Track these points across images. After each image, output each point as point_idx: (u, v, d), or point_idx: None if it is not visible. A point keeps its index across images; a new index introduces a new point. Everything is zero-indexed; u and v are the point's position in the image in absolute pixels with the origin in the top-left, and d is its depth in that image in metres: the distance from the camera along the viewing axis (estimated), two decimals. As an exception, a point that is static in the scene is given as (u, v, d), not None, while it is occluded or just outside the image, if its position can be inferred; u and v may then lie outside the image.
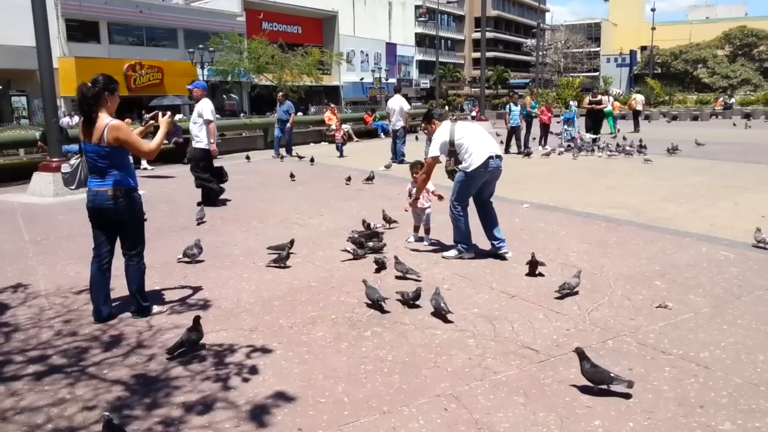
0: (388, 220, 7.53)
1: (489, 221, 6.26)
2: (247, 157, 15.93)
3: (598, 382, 3.38)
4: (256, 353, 4.01)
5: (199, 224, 7.92)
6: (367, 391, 3.50)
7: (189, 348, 4.01)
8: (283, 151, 16.85)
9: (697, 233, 7.08)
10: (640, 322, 4.46)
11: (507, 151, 16.03)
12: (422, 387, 3.53)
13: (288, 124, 16.76)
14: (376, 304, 4.75)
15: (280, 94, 17.59)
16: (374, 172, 11.59)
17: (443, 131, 6.17)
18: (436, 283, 5.40)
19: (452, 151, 6.17)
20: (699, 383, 3.53)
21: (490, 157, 5.96)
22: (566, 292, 4.95)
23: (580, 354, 3.44)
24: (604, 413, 3.23)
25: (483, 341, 4.16)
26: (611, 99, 22.61)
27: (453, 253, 6.25)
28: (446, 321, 4.50)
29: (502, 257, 6.13)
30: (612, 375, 3.37)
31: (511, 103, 16.73)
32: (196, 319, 4.10)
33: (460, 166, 6.13)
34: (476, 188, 6.16)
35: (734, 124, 27.08)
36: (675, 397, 3.37)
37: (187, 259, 6.16)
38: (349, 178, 11.20)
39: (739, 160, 14.09)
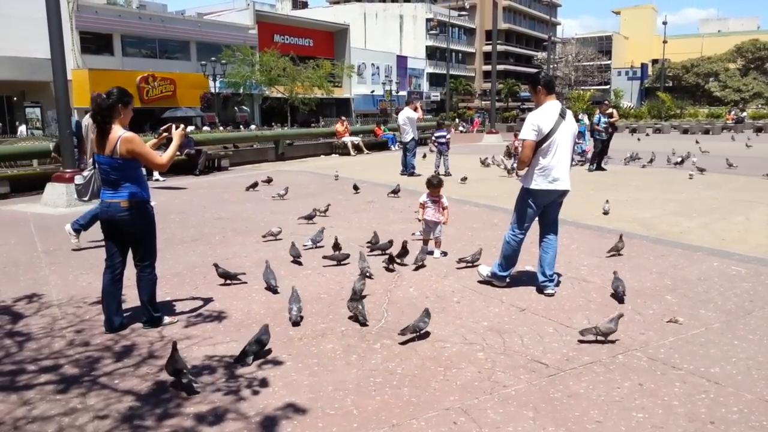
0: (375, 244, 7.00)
1: (544, 250, 5.50)
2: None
3: (171, 374, 3.69)
4: (266, 365, 4.02)
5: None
6: (377, 403, 3.50)
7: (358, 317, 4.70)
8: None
9: (708, 248, 7.05)
10: (650, 336, 4.44)
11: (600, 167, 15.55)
12: (431, 400, 3.53)
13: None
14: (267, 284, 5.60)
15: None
16: (400, 185, 11.50)
17: (546, 116, 5.20)
18: (446, 296, 5.42)
19: (537, 145, 5.18)
20: (710, 399, 3.51)
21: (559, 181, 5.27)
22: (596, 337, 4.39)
23: (173, 346, 3.76)
24: (614, 428, 3.22)
25: (492, 354, 4.16)
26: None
27: (486, 271, 5.73)
28: (275, 292, 5.45)
29: (543, 291, 5.46)
30: (185, 370, 3.66)
31: (600, 115, 16.02)
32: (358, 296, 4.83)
33: (521, 181, 5.42)
34: (539, 211, 5.45)
35: (732, 139, 26.80)
36: (685, 413, 3.36)
37: (311, 245, 7.04)
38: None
39: (753, 174, 14.02)
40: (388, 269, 6.19)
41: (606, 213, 9.14)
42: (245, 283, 5.83)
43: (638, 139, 26.83)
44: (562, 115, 5.23)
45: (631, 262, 6.46)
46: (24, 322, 4.89)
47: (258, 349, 4.09)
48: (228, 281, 5.80)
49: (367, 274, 5.81)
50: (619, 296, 5.24)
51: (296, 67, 42.51)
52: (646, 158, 16.74)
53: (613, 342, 4.25)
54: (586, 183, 13.08)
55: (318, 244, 7.17)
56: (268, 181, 13.00)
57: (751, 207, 9.78)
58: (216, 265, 5.83)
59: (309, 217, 8.75)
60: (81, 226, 7.45)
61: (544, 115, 5.22)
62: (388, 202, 10.57)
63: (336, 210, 9.86)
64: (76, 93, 30.96)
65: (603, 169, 15.46)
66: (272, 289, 5.56)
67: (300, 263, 6.49)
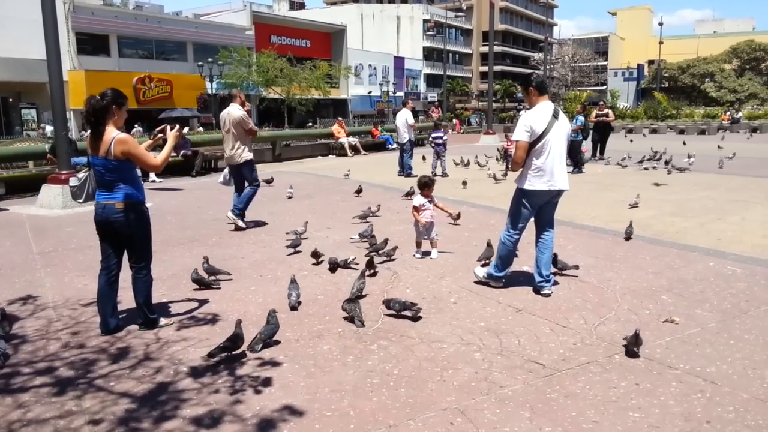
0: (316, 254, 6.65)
1: (540, 250, 5.48)
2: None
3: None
4: (262, 366, 4.02)
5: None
6: (373, 404, 3.50)
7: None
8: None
9: (704, 248, 7.06)
10: (646, 336, 4.43)
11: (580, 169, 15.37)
12: (428, 401, 3.53)
13: None
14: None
15: None
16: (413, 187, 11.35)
17: (539, 116, 5.19)
18: (442, 296, 5.42)
19: (530, 146, 5.19)
20: (706, 398, 3.52)
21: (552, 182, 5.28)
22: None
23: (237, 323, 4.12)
24: (611, 428, 3.22)
25: (489, 355, 4.16)
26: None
27: (482, 272, 5.75)
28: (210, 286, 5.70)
29: (539, 292, 5.46)
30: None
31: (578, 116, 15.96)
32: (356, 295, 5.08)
33: (516, 181, 5.44)
34: (534, 211, 5.46)
35: (722, 138, 26.81)
36: (681, 413, 3.36)
37: (363, 239, 7.23)
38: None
39: (749, 174, 14.05)
40: (371, 265, 6.15)
41: (633, 206, 9.73)
42: (219, 288, 5.74)
43: (630, 141, 26.77)
44: (555, 116, 5.24)
45: (627, 262, 6.47)
46: (19, 324, 4.87)
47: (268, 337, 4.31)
48: (200, 287, 5.72)
49: (350, 259, 6.19)
50: (567, 268, 5.90)
51: (293, 68, 42.48)
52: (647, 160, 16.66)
53: (638, 356, 4.15)
54: (583, 183, 13.09)
55: (364, 239, 7.31)
56: (269, 181, 13.00)
57: (747, 207, 9.79)
58: (195, 271, 5.77)
59: (364, 216, 8.89)
60: (241, 211, 8.37)
61: (536, 115, 5.22)
62: (386, 202, 10.54)
63: (333, 211, 9.85)
64: (73, 94, 30.95)
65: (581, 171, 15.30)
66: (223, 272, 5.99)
67: (299, 252, 6.89)
